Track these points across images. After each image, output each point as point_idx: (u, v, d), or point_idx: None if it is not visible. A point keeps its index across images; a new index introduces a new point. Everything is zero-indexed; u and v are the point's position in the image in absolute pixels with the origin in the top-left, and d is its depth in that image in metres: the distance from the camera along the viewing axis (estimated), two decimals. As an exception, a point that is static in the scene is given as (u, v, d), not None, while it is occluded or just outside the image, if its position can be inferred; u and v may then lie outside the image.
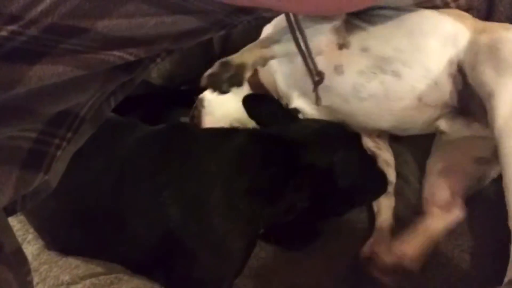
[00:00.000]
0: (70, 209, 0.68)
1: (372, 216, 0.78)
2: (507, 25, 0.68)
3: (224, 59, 0.66)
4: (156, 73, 0.95)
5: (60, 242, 0.71)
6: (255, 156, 0.68)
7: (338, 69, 0.71)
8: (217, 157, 0.67)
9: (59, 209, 0.68)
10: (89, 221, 0.67)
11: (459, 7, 0.70)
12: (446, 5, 0.68)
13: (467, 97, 0.68)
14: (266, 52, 0.70)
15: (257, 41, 0.72)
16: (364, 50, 0.72)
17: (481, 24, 0.69)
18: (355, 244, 0.75)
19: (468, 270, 0.71)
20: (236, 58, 0.67)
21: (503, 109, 0.59)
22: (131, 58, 0.43)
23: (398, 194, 0.80)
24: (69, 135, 0.46)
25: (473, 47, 0.67)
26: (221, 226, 0.64)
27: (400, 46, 0.70)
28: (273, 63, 0.76)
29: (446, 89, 0.70)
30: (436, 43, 0.69)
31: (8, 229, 0.44)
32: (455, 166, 0.74)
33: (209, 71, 0.66)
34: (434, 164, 0.78)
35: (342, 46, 0.73)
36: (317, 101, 0.68)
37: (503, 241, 0.61)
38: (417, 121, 0.74)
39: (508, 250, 0.59)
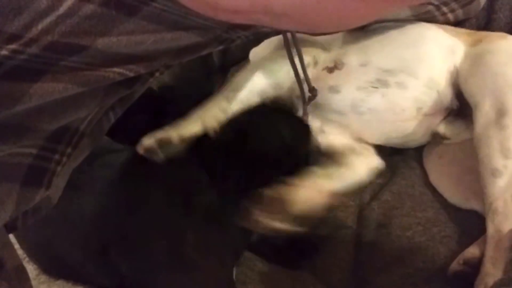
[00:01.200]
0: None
1: (361, 229, 0.78)
2: (503, 34, 0.70)
3: (161, 136, 0.64)
4: (155, 86, 0.96)
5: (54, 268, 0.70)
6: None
7: (334, 89, 0.72)
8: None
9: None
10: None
11: (456, 18, 0.70)
12: (443, 15, 0.69)
13: (464, 102, 0.70)
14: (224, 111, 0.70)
15: (212, 103, 0.71)
16: (363, 65, 0.73)
17: (477, 35, 0.71)
18: (347, 256, 0.75)
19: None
20: (176, 132, 0.65)
21: (481, 117, 0.62)
22: (131, 74, 0.44)
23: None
24: (69, 150, 0.47)
25: (466, 61, 0.68)
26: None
27: (405, 56, 0.71)
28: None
29: (447, 98, 0.71)
30: (439, 53, 0.70)
31: (9, 245, 0.44)
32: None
33: (145, 144, 0.63)
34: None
35: (332, 69, 0.74)
36: (304, 116, 0.69)
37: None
38: (416, 132, 0.75)
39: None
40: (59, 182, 0.49)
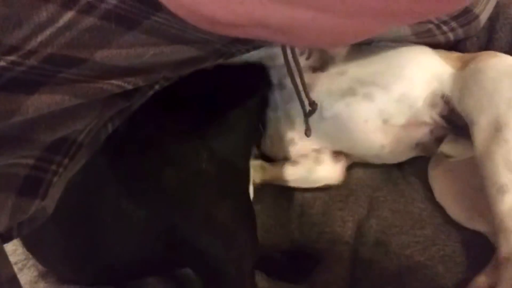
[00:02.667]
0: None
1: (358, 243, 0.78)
2: (492, 52, 0.70)
3: None
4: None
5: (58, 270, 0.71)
6: None
7: (308, 87, 0.73)
8: None
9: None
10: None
11: (457, 37, 0.71)
12: (444, 34, 0.69)
13: (456, 119, 0.70)
14: None
15: None
16: (341, 73, 0.74)
17: (467, 57, 0.71)
18: (344, 273, 0.75)
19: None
20: None
21: (480, 135, 0.62)
22: (129, 87, 0.44)
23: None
24: (66, 161, 0.47)
25: (457, 83, 0.69)
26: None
27: (382, 70, 0.72)
28: None
29: (425, 113, 0.72)
30: (421, 76, 0.71)
31: (4, 256, 0.44)
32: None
33: None
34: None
35: (316, 69, 0.75)
36: (307, 131, 0.69)
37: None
38: (385, 145, 0.76)
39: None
40: (55, 193, 0.49)
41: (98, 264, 0.65)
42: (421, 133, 0.75)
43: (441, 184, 0.78)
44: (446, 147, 0.75)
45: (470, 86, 0.66)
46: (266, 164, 0.84)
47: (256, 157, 0.87)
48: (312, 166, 0.82)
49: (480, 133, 0.62)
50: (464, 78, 0.68)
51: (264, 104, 0.80)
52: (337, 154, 0.82)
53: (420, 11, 0.28)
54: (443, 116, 0.72)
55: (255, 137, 0.81)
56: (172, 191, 0.61)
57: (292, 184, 0.84)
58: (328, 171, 0.82)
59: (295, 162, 0.82)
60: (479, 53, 0.71)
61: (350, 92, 0.73)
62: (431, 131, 0.74)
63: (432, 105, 0.71)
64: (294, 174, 0.82)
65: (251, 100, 0.74)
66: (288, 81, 0.73)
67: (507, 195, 0.58)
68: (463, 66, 0.70)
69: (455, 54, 0.74)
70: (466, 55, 0.72)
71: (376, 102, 0.73)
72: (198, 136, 0.65)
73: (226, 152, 0.66)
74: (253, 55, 0.73)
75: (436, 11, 0.29)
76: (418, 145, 0.76)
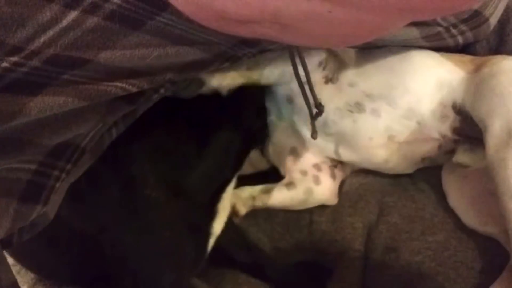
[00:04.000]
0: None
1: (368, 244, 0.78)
2: (505, 56, 0.69)
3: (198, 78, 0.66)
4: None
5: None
6: None
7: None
8: None
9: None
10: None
11: (466, 40, 0.71)
12: (453, 38, 0.69)
13: (469, 130, 0.70)
14: (252, 74, 0.71)
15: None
16: (351, 85, 0.73)
17: (480, 60, 0.70)
18: (355, 280, 0.75)
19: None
20: (214, 80, 0.68)
21: (494, 140, 0.61)
22: (134, 89, 0.44)
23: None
24: (68, 166, 0.47)
25: (470, 88, 0.68)
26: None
27: (391, 83, 0.72)
28: None
29: (432, 129, 0.71)
30: (428, 87, 0.71)
31: (5, 262, 0.44)
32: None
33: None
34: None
35: (328, 81, 0.75)
36: (313, 134, 0.68)
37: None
38: (390, 160, 0.76)
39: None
40: (56, 198, 0.49)
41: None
42: (428, 148, 0.75)
43: (455, 190, 0.78)
44: (461, 157, 0.75)
45: (483, 91, 0.66)
46: (255, 192, 0.83)
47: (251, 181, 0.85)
48: (311, 186, 0.81)
49: (492, 139, 0.62)
50: (477, 83, 0.67)
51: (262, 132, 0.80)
52: (335, 168, 0.83)
53: (436, 6, 0.27)
54: (454, 129, 0.71)
55: (236, 167, 0.77)
56: (114, 208, 0.61)
57: (288, 208, 0.83)
58: (327, 192, 0.82)
59: (291, 184, 0.82)
60: (491, 57, 0.71)
61: (358, 108, 0.73)
62: (440, 146, 0.74)
63: (442, 118, 0.71)
64: (292, 199, 0.82)
65: (237, 130, 0.73)
66: (296, 96, 0.73)
67: None
68: (476, 69, 0.69)
69: (467, 57, 0.73)
70: (478, 58, 0.72)
71: (382, 118, 0.73)
72: (152, 159, 0.63)
73: (182, 181, 0.65)
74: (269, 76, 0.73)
75: (452, 7, 0.29)
76: (425, 159, 0.76)
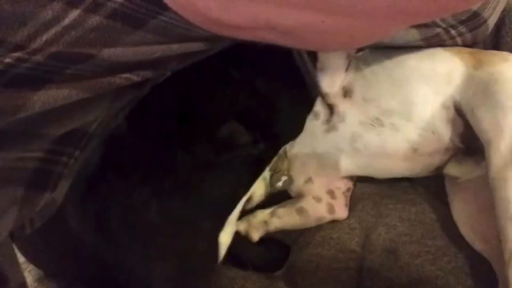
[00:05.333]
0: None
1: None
2: (506, 55, 0.70)
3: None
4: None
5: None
6: None
7: (341, 116, 0.74)
8: None
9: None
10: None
11: (465, 42, 0.71)
12: (452, 39, 0.69)
13: (471, 137, 0.69)
14: None
15: None
16: (366, 100, 0.74)
17: (479, 54, 0.71)
18: (351, 282, 0.75)
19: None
20: None
21: (498, 158, 0.61)
22: (138, 79, 0.44)
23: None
24: (77, 152, 0.47)
25: (470, 87, 0.68)
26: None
27: (400, 98, 0.72)
28: None
29: (445, 136, 0.71)
30: (429, 91, 0.71)
31: (15, 262, 0.45)
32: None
33: None
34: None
35: (346, 93, 0.75)
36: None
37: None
38: (410, 170, 0.76)
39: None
40: (64, 184, 0.49)
41: None
42: (445, 158, 0.75)
43: (457, 201, 0.78)
44: (451, 169, 0.76)
45: (485, 97, 0.65)
46: (266, 217, 0.82)
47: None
48: (324, 216, 0.81)
49: (496, 157, 0.61)
50: (478, 83, 0.67)
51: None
52: (348, 192, 0.83)
53: (431, 9, 0.28)
54: (460, 135, 0.71)
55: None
56: (115, 234, 0.60)
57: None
58: (339, 217, 0.82)
59: (302, 211, 0.81)
60: (493, 52, 0.71)
61: (378, 122, 0.73)
62: (452, 155, 0.74)
63: (448, 122, 0.71)
64: (304, 224, 0.81)
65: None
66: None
67: None
68: (476, 64, 0.69)
69: (465, 49, 0.73)
70: (478, 52, 0.72)
71: (401, 132, 0.73)
72: (155, 183, 0.62)
73: (183, 209, 0.64)
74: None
75: (447, 9, 0.30)
76: (439, 168, 0.76)
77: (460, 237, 0.76)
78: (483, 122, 0.64)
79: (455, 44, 0.72)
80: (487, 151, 0.63)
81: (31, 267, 0.76)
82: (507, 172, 0.60)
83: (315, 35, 0.34)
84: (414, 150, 0.73)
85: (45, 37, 0.36)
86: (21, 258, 0.75)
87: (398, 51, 0.73)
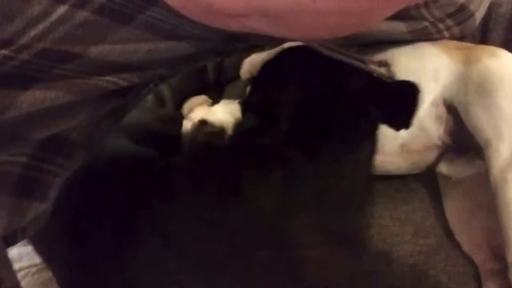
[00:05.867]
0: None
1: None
2: (494, 49, 0.69)
3: None
4: (150, 101, 0.97)
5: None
6: None
7: None
8: None
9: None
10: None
11: (452, 36, 0.72)
12: (439, 33, 0.70)
13: (463, 135, 0.69)
14: None
15: None
16: None
17: (467, 49, 0.71)
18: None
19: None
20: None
21: (498, 159, 0.61)
22: (124, 84, 0.44)
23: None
24: (59, 160, 0.47)
25: (461, 84, 0.68)
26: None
27: None
28: None
29: (434, 133, 0.71)
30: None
31: (8, 264, 0.44)
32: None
33: None
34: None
35: None
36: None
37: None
38: (400, 167, 0.76)
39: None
40: (54, 194, 0.49)
41: None
42: (433, 156, 0.75)
43: (449, 200, 0.78)
44: (443, 168, 0.76)
45: (478, 95, 0.65)
46: None
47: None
48: None
49: (497, 158, 0.61)
50: (468, 80, 0.67)
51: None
52: None
53: None
54: (450, 133, 0.71)
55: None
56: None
57: None
58: None
59: None
60: (481, 47, 0.71)
61: None
62: (441, 153, 0.74)
63: (437, 119, 0.71)
64: None
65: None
66: None
67: None
68: (463, 59, 0.69)
69: (452, 43, 0.73)
70: (466, 47, 0.72)
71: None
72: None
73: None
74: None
75: None
76: (429, 167, 0.77)
77: (452, 234, 0.76)
78: (480, 122, 0.64)
79: (443, 38, 0.72)
80: (487, 152, 0.63)
81: (34, 270, 0.76)
82: (508, 173, 0.60)
83: (306, 18, 0.34)
84: (402, 147, 0.73)
85: (33, 32, 0.36)
86: (23, 263, 0.76)
87: (388, 47, 0.73)
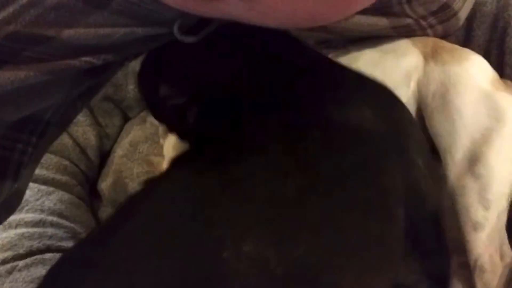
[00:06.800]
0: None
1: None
2: (468, 53, 0.69)
3: None
4: (133, 84, 0.97)
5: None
6: None
7: None
8: None
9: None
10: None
11: (436, 34, 0.72)
12: (422, 30, 0.70)
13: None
14: None
15: None
16: None
17: (443, 50, 0.70)
18: None
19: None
20: None
21: (455, 167, 0.61)
22: (99, 63, 0.43)
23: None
24: (33, 140, 0.46)
25: (429, 86, 0.68)
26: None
27: None
28: None
29: None
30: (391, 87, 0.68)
31: None
32: None
33: None
34: None
35: None
36: None
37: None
38: None
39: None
40: (28, 173, 0.48)
41: None
42: None
43: None
44: None
45: (443, 101, 0.65)
46: None
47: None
48: None
49: (454, 165, 0.62)
50: (437, 85, 0.67)
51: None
52: None
53: None
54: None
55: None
56: None
57: None
58: None
59: None
60: (456, 49, 0.70)
61: None
62: None
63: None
64: None
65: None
66: None
67: (481, 233, 0.58)
68: (431, 55, 0.69)
69: (431, 43, 0.72)
70: (443, 48, 0.71)
71: None
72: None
73: None
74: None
75: None
76: None
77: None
78: (440, 127, 0.65)
79: (426, 36, 0.72)
80: (444, 159, 0.63)
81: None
82: (465, 179, 0.60)
83: (284, 2, 0.34)
84: None
85: (1, 15, 0.36)
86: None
87: (366, 45, 0.73)
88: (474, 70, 0.67)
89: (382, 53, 0.73)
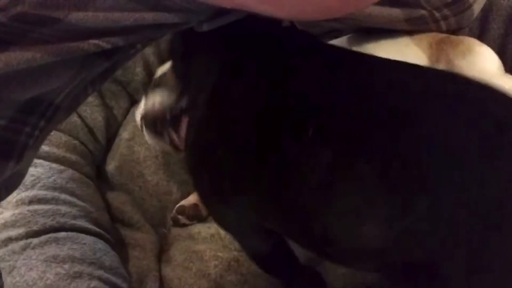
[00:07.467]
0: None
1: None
2: (462, 44, 0.69)
3: None
4: (141, 66, 0.97)
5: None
6: None
7: None
8: None
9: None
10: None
11: (449, 26, 0.71)
12: (436, 22, 0.69)
13: None
14: None
15: None
16: None
17: (434, 46, 0.70)
18: None
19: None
20: None
21: None
22: (108, 46, 0.43)
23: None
24: (42, 123, 0.46)
25: None
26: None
27: None
28: None
29: None
30: None
31: None
32: None
33: None
34: None
35: None
36: None
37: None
38: None
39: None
40: (30, 155, 0.48)
41: None
42: None
43: None
44: None
45: None
46: None
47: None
48: None
49: None
50: None
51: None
52: None
53: None
54: None
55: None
56: None
57: None
58: None
59: None
60: (458, 41, 0.70)
61: None
62: None
63: None
64: None
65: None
66: None
67: None
68: (437, 54, 0.69)
69: (427, 36, 0.71)
70: (436, 42, 0.70)
71: None
72: None
73: None
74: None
75: None
76: None
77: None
78: None
79: (439, 29, 0.72)
80: None
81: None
82: None
83: None
84: None
85: None
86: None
87: (371, 39, 0.73)
88: (479, 63, 0.67)
89: (384, 53, 0.71)
